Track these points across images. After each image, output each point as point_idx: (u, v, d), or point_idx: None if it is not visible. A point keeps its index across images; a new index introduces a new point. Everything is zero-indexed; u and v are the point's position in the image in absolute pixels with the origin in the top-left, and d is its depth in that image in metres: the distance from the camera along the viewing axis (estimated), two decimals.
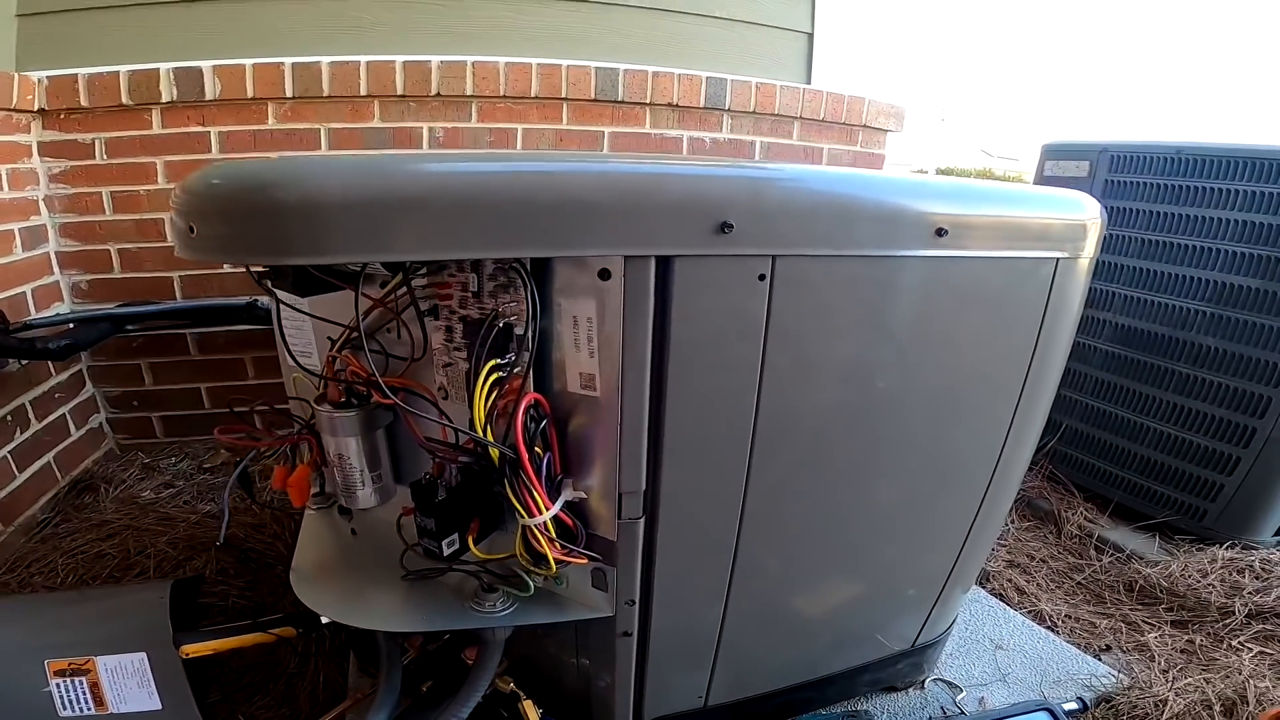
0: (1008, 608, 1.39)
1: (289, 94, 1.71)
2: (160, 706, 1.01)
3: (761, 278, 0.62)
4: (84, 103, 1.63)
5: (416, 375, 0.73)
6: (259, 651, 1.15)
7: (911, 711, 1.11)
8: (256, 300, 1.58)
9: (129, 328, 1.63)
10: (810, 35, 2.36)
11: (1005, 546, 1.62)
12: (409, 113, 1.81)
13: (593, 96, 1.93)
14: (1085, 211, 0.83)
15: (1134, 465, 1.70)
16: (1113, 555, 1.57)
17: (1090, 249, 0.83)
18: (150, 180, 1.74)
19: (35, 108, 1.62)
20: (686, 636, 0.87)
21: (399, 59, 1.75)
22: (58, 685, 1.01)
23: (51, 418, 1.67)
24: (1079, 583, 1.52)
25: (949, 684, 1.16)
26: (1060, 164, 1.83)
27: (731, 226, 0.59)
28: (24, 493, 1.55)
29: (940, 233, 0.68)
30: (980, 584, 1.47)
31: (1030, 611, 1.40)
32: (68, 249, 1.74)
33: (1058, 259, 0.79)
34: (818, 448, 0.78)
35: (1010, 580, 1.50)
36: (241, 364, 1.90)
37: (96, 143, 1.70)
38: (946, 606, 1.08)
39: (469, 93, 1.82)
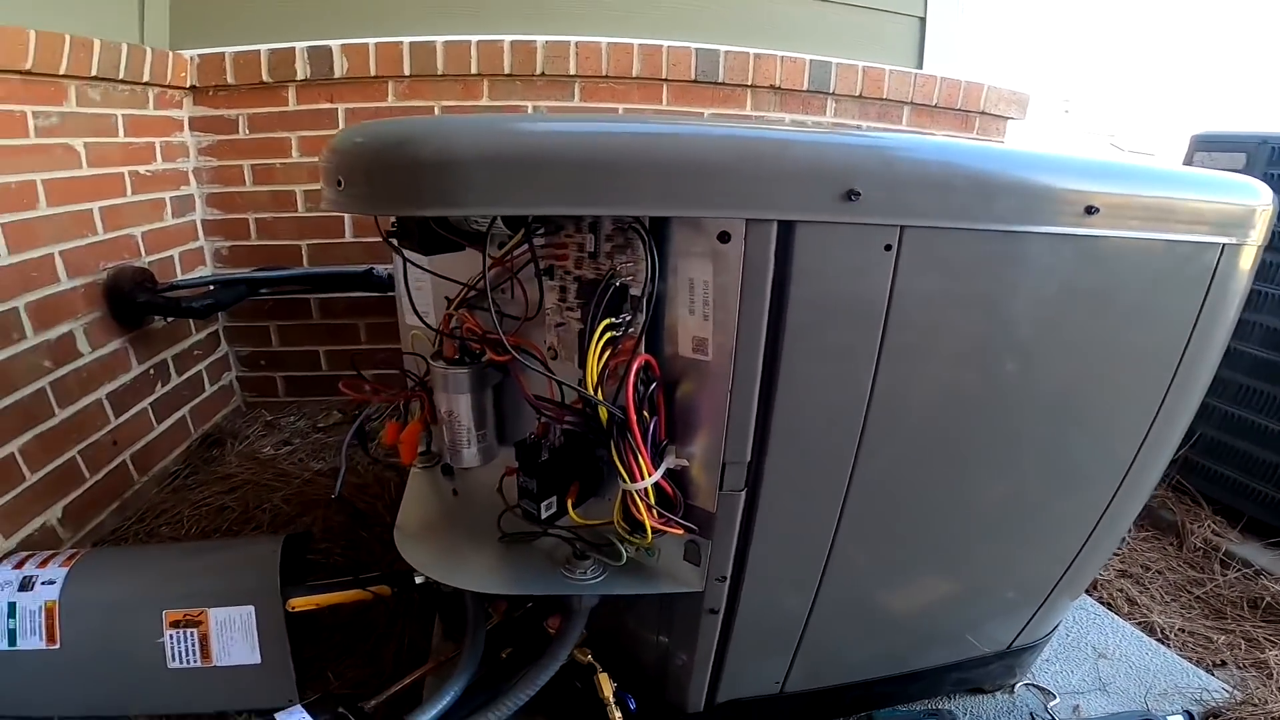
0: (1116, 617, 1.31)
1: (406, 72, 1.80)
2: (259, 661, 1.04)
3: (888, 248, 0.59)
4: (230, 80, 1.78)
5: (526, 336, 0.74)
6: (351, 611, 1.20)
7: (997, 715, 1.05)
8: (373, 269, 1.68)
9: (261, 291, 1.78)
10: (922, 19, 2.25)
11: (1119, 555, 1.53)
12: (516, 92, 1.87)
13: (693, 78, 1.91)
14: (1257, 197, 0.74)
15: (1274, 478, 1.55)
16: (1239, 571, 1.45)
17: (1259, 236, 0.74)
18: (285, 154, 1.87)
19: (187, 84, 1.78)
20: (771, 621, 0.86)
21: (507, 38, 1.80)
22: (171, 636, 1.05)
23: (189, 373, 1.84)
24: (1197, 597, 1.41)
25: (1041, 689, 1.10)
26: (1212, 155, 1.66)
27: (859, 194, 0.57)
28: (160, 444, 1.70)
29: (1091, 210, 0.62)
30: (1087, 591, 1.38)
31: (1140, 623, 1.31)
32: (211, 217, 1.91)
33: (1223, 245, 0.71)
34: (927, 435, 0.74)
35: (1121, 590, 1.42)
36: (356, 329, 2.02)
37: (240, 118, 1.84)
38: (1051, 612, 1.02)
39: (572, 72, 1.85)
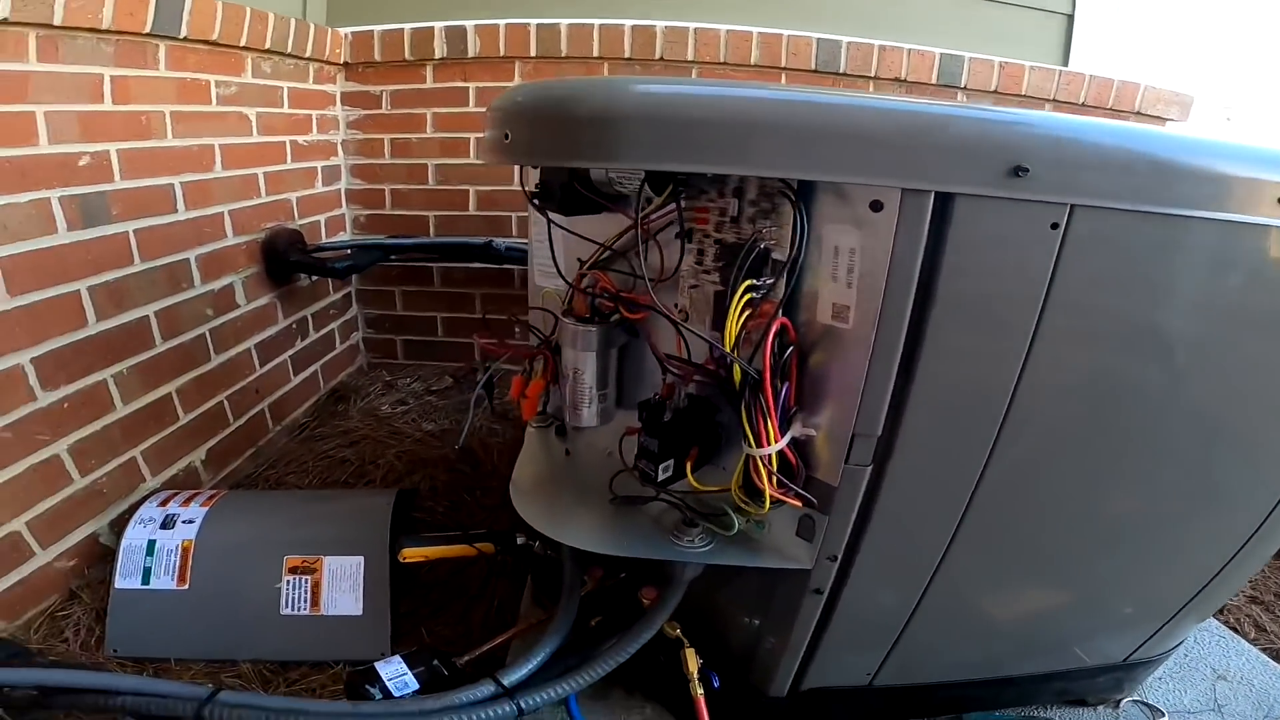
0: (1241, 640, 1.21)
1: (532, 54, 1.87)
2: (360, 613, 1.10)
3: (1054, 226, 0.56)
4: (376, 58, 1.92)
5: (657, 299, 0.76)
6: (447, 570, 1.27)
7: None
8: (493, 241, 1.77)
9: (392, 257, 1.91)
10: (1070, 16, 2.11)
11: (1251, 581, 1.42)
12: (635, 75, 1.90)
13: (813, 68, 1.88)
14: None
15: None
16: None
17: None
18: (420, 129, 2.00)
19: (341, 61, 1.93)
20: (873, 612, 0.83)
21: (628, 23, 1.83)
22: (287, 582, 1.11)
23: (324, 331, 2.00)
24: None
25: (1149, 707, 1.02)
26: None
27: (1026, 171, 0.54)
28: (294, 395, 1.86)
29: None
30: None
31: (1268, 649, 1.21)
32: (355, 187, 2.07)
33: None
34: (1069, 432, 0.69)
35: (1249, 615, 1.32)
36: (472, 298, 2.13)
37: (383, 94, 1.98)
38: (1174, 631, 0.96)
39: (690, 58, 1.86)
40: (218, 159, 1.53)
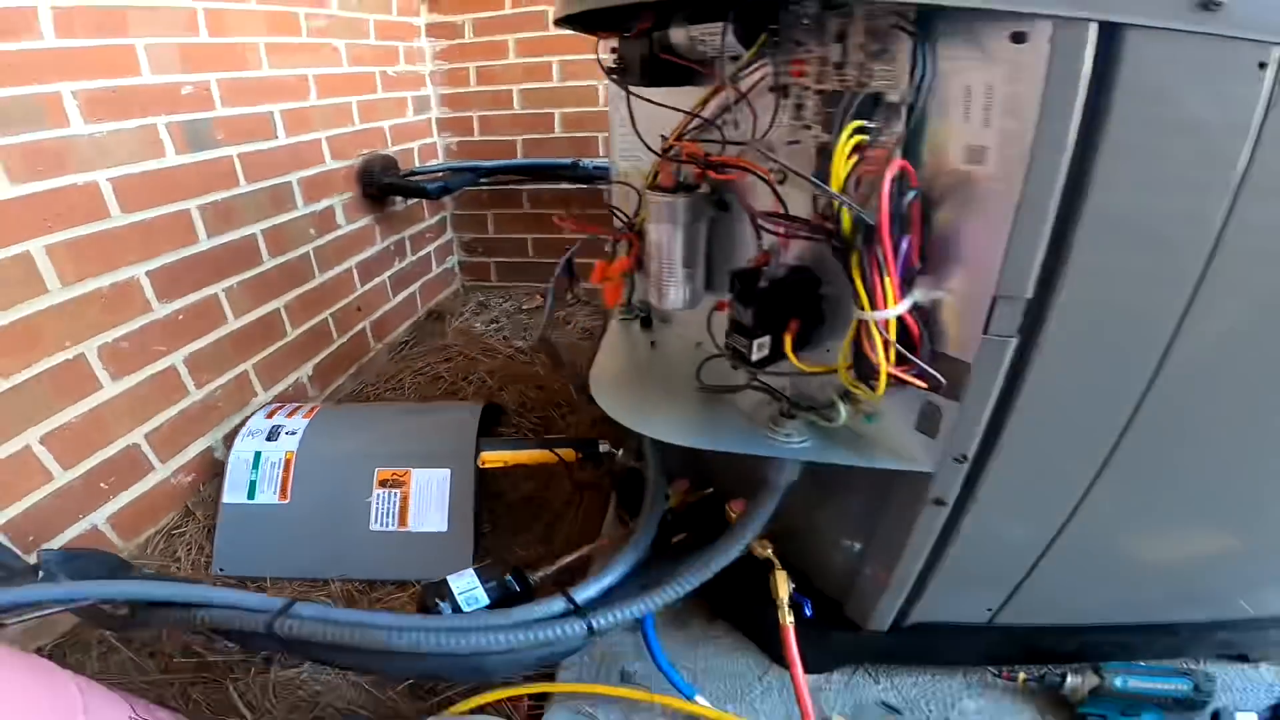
0: None
1: None
2: (446, 529, 1.11)
3: (1262, 66, 0.43)
4: None
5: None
6: (532, 488, 1.26)
7: (1258, 689, 0.83)
8: (579, 160, 1.72)
9: (482, 181, 1.92)
10: None
11: None
12: None
13: None
14: None
15: None
16: None
17: None
18: (503, 56, 1.97)
19: None
20: (1005, 538, 0.71)
21: None
22: (378, 496, 1.13)
23: (420, 254, 2.05)
24: None
25: None
26: None
27: (1219, 5, 0.42)
28: (393, 315, 1.92)
29: None
30: None
31: None
32: (444, 115, 2.09)
33: None
34: (1260, 345, 0.56)
35: None
36: (573, 231, 2.13)
37: (465, 23, 1.96)
38: None
39: None
40: (312, 88, 1.56)
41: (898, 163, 0.51)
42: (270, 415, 1.26)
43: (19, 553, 0.89)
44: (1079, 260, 0.50)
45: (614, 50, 0.70)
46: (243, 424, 1.25)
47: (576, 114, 1.97)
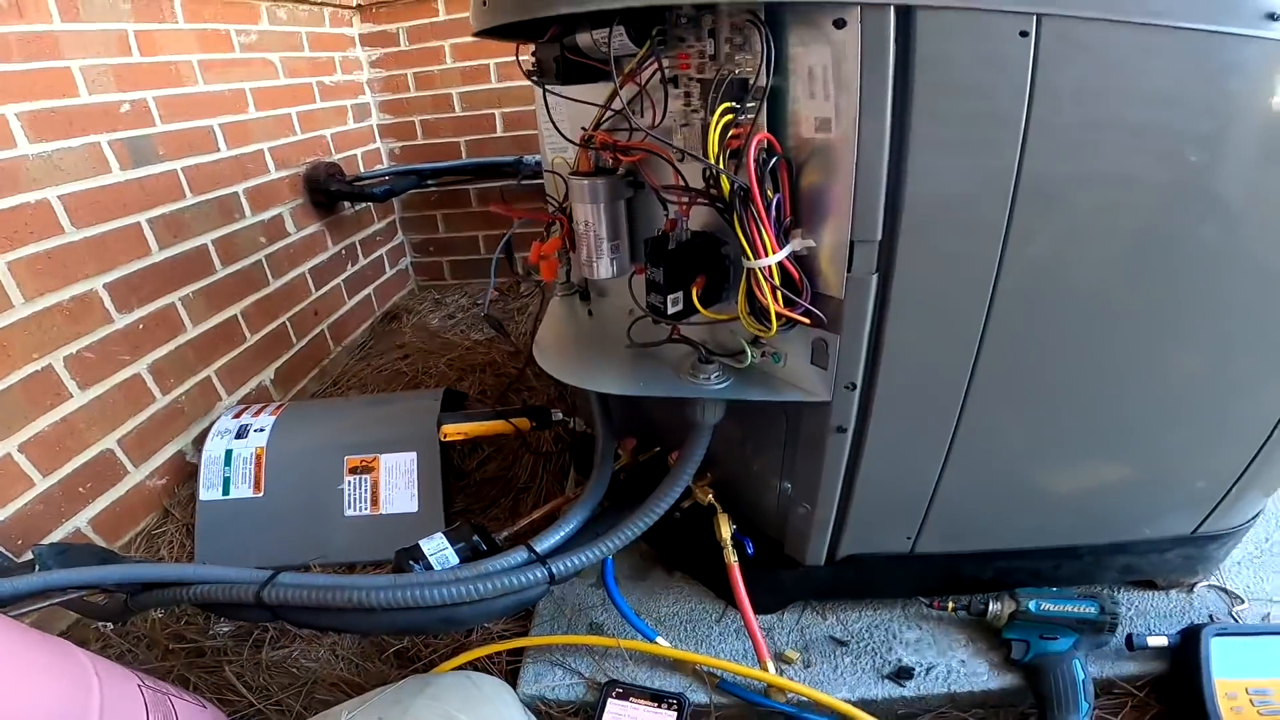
0: None
1: None
2: (417, 509, 1.17)
3: (1023, 34, 0.54)
4: None
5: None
6: (497, 468, 1.34)
7: (1168, 614, 0.93)
8: (522, 158, 1.80)
9: (429, 182, 1.98)
10: None
11: None
12: None
13: None
14: None
15: None
16: None
17: None
18: (440, 61, 2.03)
19: (354, 3, 1.97)
20: (904, 466, 0.82)
21: None
22: (349, 483, 1.18)
23: (373, 256, 2.11)
24: None
25: (1226, 591, 0.96)
26: None
27: None
28: (350, 318, 1.97)
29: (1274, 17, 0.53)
30: None
31: None
32: (385, 121, 2.14)
33: None
34: (1069, 267, 0.67)
35: None
36: (508, 217, 2.19)
37: (399, 31, 2.01)
38: (1240, 503, 0.88)
39: None
40: (250, 101, 1.60)
41: (762, 135, 0.62)
42: (237, 416, 1.31)
43: (12, 556, 0.95)
44: (912, 206, 0.62)
45: (533, 54, 0.80)
46: (210, 427, 1.30)
47: (517, 113, 2.04)
